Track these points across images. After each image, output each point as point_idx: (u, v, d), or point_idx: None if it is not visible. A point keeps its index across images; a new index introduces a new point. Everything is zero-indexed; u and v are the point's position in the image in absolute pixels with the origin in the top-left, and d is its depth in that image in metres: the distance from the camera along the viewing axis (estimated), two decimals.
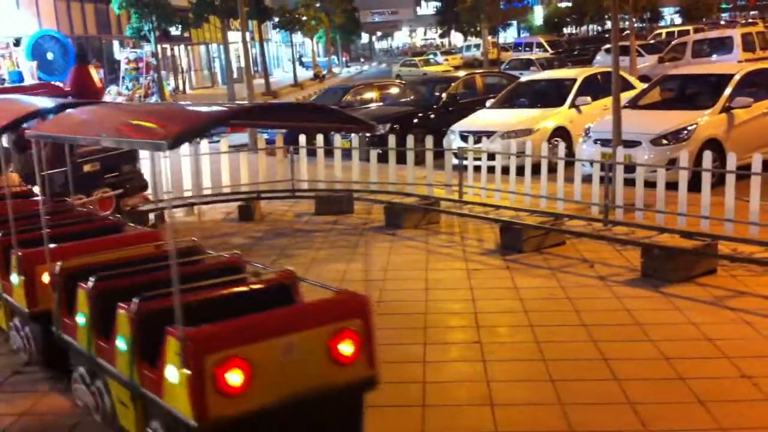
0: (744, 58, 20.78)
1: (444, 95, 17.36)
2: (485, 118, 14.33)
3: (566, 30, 65.65)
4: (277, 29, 50.56)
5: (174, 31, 34.61)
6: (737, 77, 11.84)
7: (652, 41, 35.56)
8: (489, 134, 12.82)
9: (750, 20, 59.15)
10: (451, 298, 7.01)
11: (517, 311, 6.51)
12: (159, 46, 33.20)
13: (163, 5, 29.29)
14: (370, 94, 19.99)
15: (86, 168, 9.97)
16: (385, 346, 5.82)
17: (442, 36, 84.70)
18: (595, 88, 14.37)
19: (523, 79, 17.14)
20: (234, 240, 9.63)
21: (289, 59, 54.12)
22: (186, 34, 40.52)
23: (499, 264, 7.92)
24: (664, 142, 10.88)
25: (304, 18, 48.63)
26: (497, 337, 6.01)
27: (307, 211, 10.91)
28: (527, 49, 45.31)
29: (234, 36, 31.88)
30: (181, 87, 41.89)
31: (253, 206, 10.84)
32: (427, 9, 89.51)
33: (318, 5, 51.87)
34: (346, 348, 3.98)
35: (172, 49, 43.65)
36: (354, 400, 4.14)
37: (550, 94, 14.75)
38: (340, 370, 3.98)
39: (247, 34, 22.55)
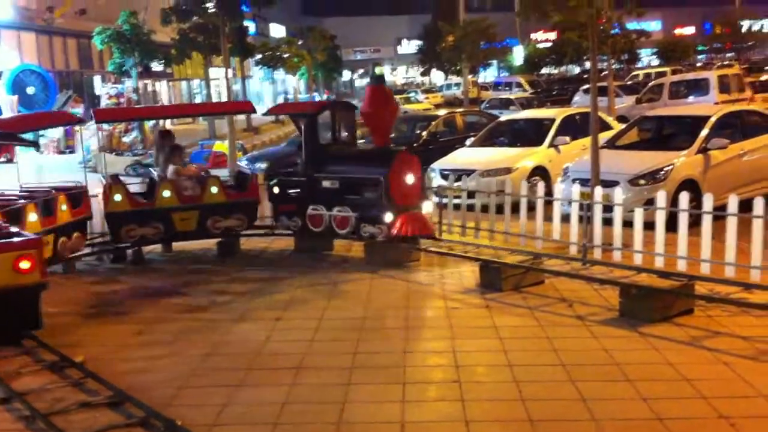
0: (720, 100, 21.12)
1: (424, 133, 17.50)
2: (465, 156, 14.44)
3: (545, 70, 66.40)
4: (260, 66, 50.75)
5: (156, 66, 34.70)
6: (713, 119, 12.04)
7: (629, 82, 36.11)
8: (469, 173, 12.91)
9: (726, 62, 60.21)
10: (430, 336, 7.00)
11: (496, 350, 6.50)
12: (141, 82, 33.24)
13: (146, 41, 29.36)
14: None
15: None
16: (361, 386, 5.81)
17: (423, 74, 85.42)
18: (574, 128, 14.54)
19: (503, 118, 17.32)
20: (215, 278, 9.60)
21: (272, 95, 54.33)
22: (168, 70, 40.60)
23: (478, 302, 7.93)
24: (642, 182, 11.01)
25: (286, 55, 48.89)
26: (476, 376, 6.00)
27: (287, 247, 10.88)
28: (507, 88, 45.80)
29: (216, 72, 31.99)
30: (161, 122, 41.78)
31: (233, 242, 10.81)
32: (409, 47, 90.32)
33: (300, 43, 52.19)
34: (25, 265, 6.81)
35: (153, 85, 43.70)
36: (33, 293, 7.01)
37: (529, 134, 14.91)
38: (22, 276, 6.83)
39: (230, 71, 22.63)
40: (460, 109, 26.46)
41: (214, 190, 10.48)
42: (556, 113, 15.59)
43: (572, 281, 8.29)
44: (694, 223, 8.75)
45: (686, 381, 5.67)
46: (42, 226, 8.91)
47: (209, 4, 21.89)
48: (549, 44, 65.22)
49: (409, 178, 9.53)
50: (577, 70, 67.25)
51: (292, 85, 64.23)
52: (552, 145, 14.09)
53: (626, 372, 5.87)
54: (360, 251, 10.14)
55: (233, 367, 6.39)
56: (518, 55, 63.68)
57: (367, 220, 9.67)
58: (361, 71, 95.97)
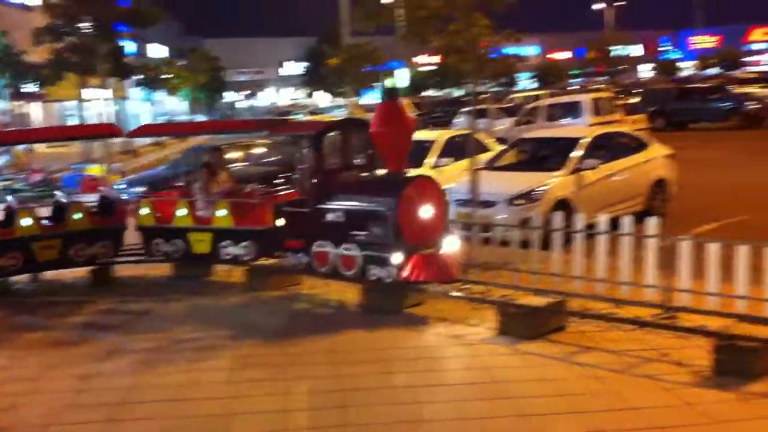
0: (593, 122, 21.97)
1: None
2: None
3: (429, 92, 67.73)
4: (140, 87, 49.58)
5: (29, 87, 33.33)
6: (586, 141, 12.52)
7: (508, 105, 37.19)
8: None
9: (599, 86, 62.99)
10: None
11: (380, 372, 6.49)
12: (12, 103, 31.83)
13: (17, 62, 28.19)
14: (235, 154, 19.78)
15: None
16: (247, 416, 5.66)
17: (308, 96, 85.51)
18: (456, 149, 14.77)
19: None
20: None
21: (152, 117, 53.08)
22: (44, 91, 39.10)
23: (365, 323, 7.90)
24: (518, 202, 11.29)
25: (168, 76, 47.98)
26: (366, 397, 5.95)
27: (165, 273, 10.56)
28: None
29: (93, 93, 30.99)
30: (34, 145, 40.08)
31: (107, 270, 10.42)
32: (294, 69, 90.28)
33: (182, 63, 51.35)
34: None
35: (26, 106, 41.91)
36: None
37: (412, 155, 14.99)
38: None
39: (107, 92, 21.99)
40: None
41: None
42: (437, 135, 15.82)
43: (451, 301, 8.38)
44: (568, 241, 9.02)
45: (560, 397, 5.81)
46: None
47: (83, 24, 21.25)
48: (432, 67, 66.55)
49: (424, 211, 8.20)
50: (459, 92, 69.00)
51: (174, 106, 62.98)
52: (435, 166, 14.27)
53: (506, 390, 5.97)
54: (240, 275, 9.93)
55: (102, 402, 6.12)
56: (402, 77, 64.71)
57: (374, 261, 8.30)
58: (245, 92, 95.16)
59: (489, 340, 7.20)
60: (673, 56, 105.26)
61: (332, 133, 9.37)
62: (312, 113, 59.03)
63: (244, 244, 9.61)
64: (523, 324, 7.20)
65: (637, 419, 5.39)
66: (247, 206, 9.78)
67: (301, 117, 52.02)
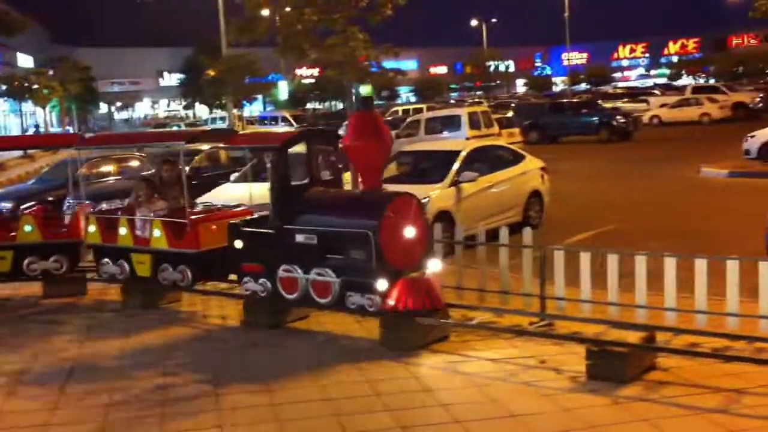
0: (471, 135, 22.48)
1: (187, 168, 17.01)
2: (230, 192, 14.16)
3: (311, 105, 67.75)
4: (4, 98, 47.24)
5: None
6: (463, 153, 12.77)
7: (389, 117, 37.62)
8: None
9: (476, 100, 64.69)
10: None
11: (259, 392, 6.38)
12: None
13: None
14: (108, 167, 19.10)
15: None
16: None
17: (186, 108, 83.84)
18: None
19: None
20: None
21: (20, 129, 50.70)
22: None
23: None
24: None
25: (36, 86, 45.90)
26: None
27: (35, 294, 10.04)
28: (273, 123, 46.04)
29: None
30: None
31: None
32: (171, 80, 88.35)
33: (51, 73, 49.30)
34: None
35: None
36: None
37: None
38: None
39: None
40: (225, 144, 26.05)
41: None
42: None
43: (335, 314, 8.34)
44: (450, 252, 9.18)
45: (442, 407, 5.86)
46: None
47: None
48: (313, 80, 66.65)
49: (408, 232, 7.50)
50: (341, 105, 69.32)
51: (43, 117, 60.36)
52: None
53: (387, 402, 5.97)
54: (117, 294, 9.55)
55: None
56: (283, 90, 64.44)
57: (353, 288, 7.45)
58: (119, 104, 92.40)
59: (372, 353, 7.19)
60: (546, 72, 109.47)
61: (297, 145, 8.47)
62: (191, 125, 58.01)
63: (180, 267, 8.73)
64: (405, 336, 7.22)
65: (516, 427, 5.49)
66: (182, 226, 8.78)
67: (179, 128, 50.99)
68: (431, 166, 13.57)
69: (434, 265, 7.64)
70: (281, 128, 39.29)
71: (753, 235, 9.66)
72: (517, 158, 14.07)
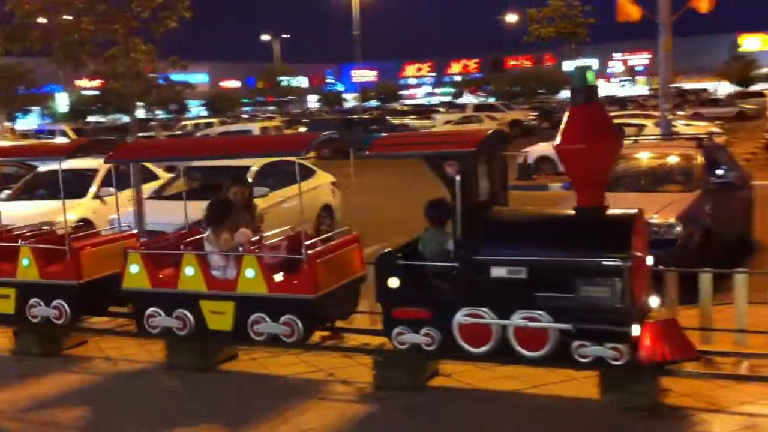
0: None
1: None
2: (10, 211, 13.14)
3: (93, 118, 64.45)
4: None
5: None
6: (254, 169, 12.66)
7: (179, 132, 36.71)
8: None
9: (269, 115, 64.68)
10: None
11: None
12: None
13: None
14: None
15: None
16: None
17: None
18: (120, 178, 14.11)
19: (42, 169, 16.21)
20: None
21: None
22: None
23: None
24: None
25: None
26: None
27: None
28: (50, 136, 43.34)
29: None
30: None
31: None
32: None
33: None
34: None
35: None
36: None
37: (71, 185, 14.09)
38: None
39: None
40: None
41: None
42: (99, 163, 15.01)
43: (120, 339, 7.95)
44: None
45: (228, 426, 5.73)
46: None
47: None
48: (95, 92, 63.58)
49: (647, 260, 6.21)
50: (126, 118, 66.72)
51: None
52: (97, 196, 13.53)
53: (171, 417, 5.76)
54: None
55: None
56: (62, 102, 60.96)
57: (588, 336, 5.81)
58: None
59: (156, 371, 6.93)
60: (337, 88, 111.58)
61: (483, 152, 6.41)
62: None
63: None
64: (191, 354, 7.04)
65: None
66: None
67: None
68: (221, 182, 13.32)
69: (654, 302, 6.32)
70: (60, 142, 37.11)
71: None
72: (308, 173, 14.14)
